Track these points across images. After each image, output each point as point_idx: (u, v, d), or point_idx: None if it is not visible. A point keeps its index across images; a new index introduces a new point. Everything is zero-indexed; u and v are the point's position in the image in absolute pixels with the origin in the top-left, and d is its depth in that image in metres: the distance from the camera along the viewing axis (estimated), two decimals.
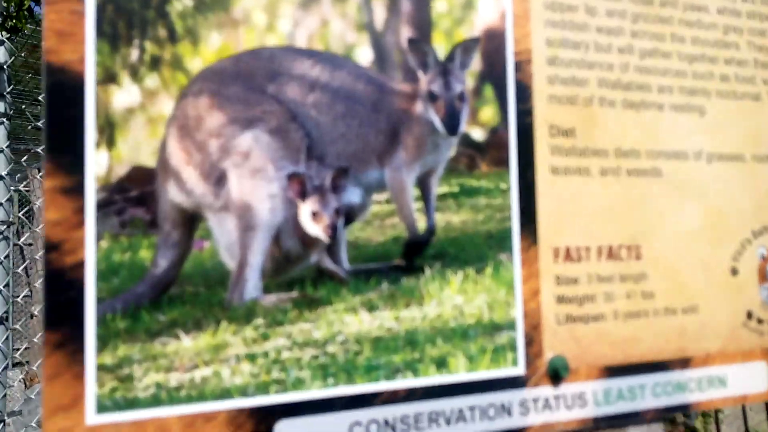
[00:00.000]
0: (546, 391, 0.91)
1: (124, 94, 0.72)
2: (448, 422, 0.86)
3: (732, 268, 1.06)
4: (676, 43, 1.04)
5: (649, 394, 0.98)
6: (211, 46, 0.77)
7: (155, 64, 0.74)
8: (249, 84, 0.78)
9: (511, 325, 0.90)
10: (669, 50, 1.04)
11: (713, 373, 1.03)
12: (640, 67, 1.01)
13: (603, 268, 0.96)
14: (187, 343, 0.73)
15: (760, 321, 1.07)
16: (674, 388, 1.00)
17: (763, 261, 1.08)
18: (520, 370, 0.90)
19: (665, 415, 0.99)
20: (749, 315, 1.06)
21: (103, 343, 0.70)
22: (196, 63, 0.76)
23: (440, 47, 0.89)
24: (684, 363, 1.01)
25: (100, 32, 0.72)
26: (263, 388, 0.76)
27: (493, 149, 0.91)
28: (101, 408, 0.70)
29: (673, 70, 1.03)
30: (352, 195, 0.83)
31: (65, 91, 0.71)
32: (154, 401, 0.72)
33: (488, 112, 0.91)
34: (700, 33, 1.06)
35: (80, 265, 0.70)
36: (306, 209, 0.79)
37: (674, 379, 1.00)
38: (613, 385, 0.96)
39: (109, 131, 0.72)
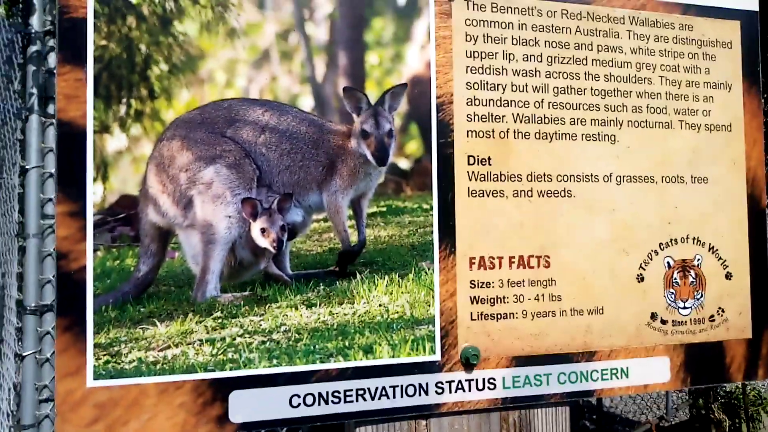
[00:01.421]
0: (459, 375, 1.11)
1: (115, 141, 0.96)
2: (372, 398, 1.06)
3: (638, 275, 1.22)
4: (590, 80, 1.20)
5: (554, 381, 1.16)
6: (182, 101, 0.99)
7: (138, 116, 0.97)
8: (211, 129, 1.00)
9: (430, 321, 1.09)
10: (583, 87, 1.20)
11: (616, 365, 1.20)
12: (554, 103, 1.18)
13: (514, 274, 1.14)
14: (162, 329, 0.97)
15: (663, 321, 1.23)
16: (578, 377, 1.17)
17: (669, 269, 1.24)
18: (436, 357, 1.10)
19: (569, 399, 1.17)
20: (653, 316, 1.22)
21: (98, 328, 0.94)
22: (169, 114, 0.99)
23: (372, 93, 1.09)
24: (589, 356, 1.18)
25: (97, 94, 0.95)
26: (220, 365, 0.98)
27: (417, 176, 1.11)
28: (97, 375, 0.94)
29: (586, 104, 1.20)
30: (295, 215, 1.04)
31: (71, 140, 0.94)
32: (137, 372, 0.95)
33: (413, 146, 1.11)
34: (613, 70, 1.22)
35: (82, 270, 0.94)
36: (257, 227, 1.01)
37: (578, 370, 1.17)
38: (521, 373, 1.14)
39: (103, 169, 0.95)
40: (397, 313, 1.08)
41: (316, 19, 1.05)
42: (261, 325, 1.01)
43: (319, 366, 1.03)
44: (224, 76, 1.01)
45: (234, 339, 0.99)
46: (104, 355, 0.94)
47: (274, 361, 1.01)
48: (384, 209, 1.10)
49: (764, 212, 1.30)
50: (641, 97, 1.24)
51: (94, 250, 0.94)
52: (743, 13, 1.32)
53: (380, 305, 1.07)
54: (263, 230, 1.02)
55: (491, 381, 1.13)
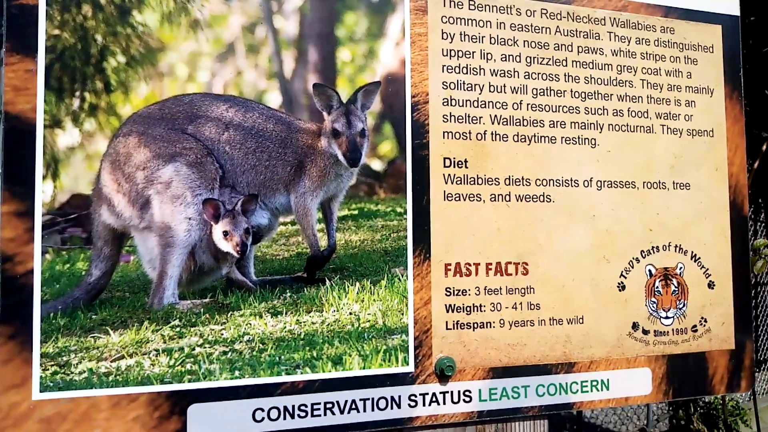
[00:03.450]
0: (433, 387, 1.06)
1: (67, 136, 0.90)
2: (341, 411, 1.01)
3: (619, 283, 1.18)
4: (570, 82, 1.17)
5: (532, 393, 1.11)
6: (140, 95, 0.94)
7: (93, 111, 0.91)
8: (171, 125, 0.95)
9: (403, 330, 1.04)
10: (563, 88, 1.16)
11: (597, 377, 1.15)
12: (532, 105, 1.14)
13: (491, 281, 1.10)
14: (115, 338, 0.91)
15: (645, 332, 1.19)
16: (557, 389, 1.13)
17: (650, 278, 1.20)
18: (410, 368, 1.04)
19: (547, 412, 1.12)
20: (635, 326, 1.18)
21: (46, 336, 0.88)
22: (126, 109, 0.93)
23: (344, 91, 1.04)
24: (568, 367, 1.14)
25: (49, 86, 0.89)
26: (178, 377, 0.92)
27: (391, 178, 1.06)
28: (44, 387, 0.87)
29: (566, 107, 1.16)
30: (261, 217, 0.99)
31: (19, 135, 0.88)
32: (87, 384, 0.89)
33: (387, 146, 1.06)
34: (594, 72, 1.19)
35: (29, 273, 0.88)
36: (219, 229, 0.96)
37: (557, 382, 1.13)
38: (498, 385, 1.09)
39: (54, 166, 0.89)
40: (369, 322, 1.02)
41: (285, 11, 1.00)
42: (222, 334, 0.95)
43: (284, 378, 0.97)
44: (186, 69, 0.96)
45: (193, 349, 0.93)
46: (52, 365, 0.88)
47: (237, 373, 0.95)
48: (356, 212, 1.05)
49: (746, 220, 1.27)
50: (622, 100, 1.20)
51: (43, 253, 0.88)
52: (725, 17, 1.29)
53: (351, 314, 1.02)
54: (226, 233, 0.96)
55: (467, 393, 1.08)
